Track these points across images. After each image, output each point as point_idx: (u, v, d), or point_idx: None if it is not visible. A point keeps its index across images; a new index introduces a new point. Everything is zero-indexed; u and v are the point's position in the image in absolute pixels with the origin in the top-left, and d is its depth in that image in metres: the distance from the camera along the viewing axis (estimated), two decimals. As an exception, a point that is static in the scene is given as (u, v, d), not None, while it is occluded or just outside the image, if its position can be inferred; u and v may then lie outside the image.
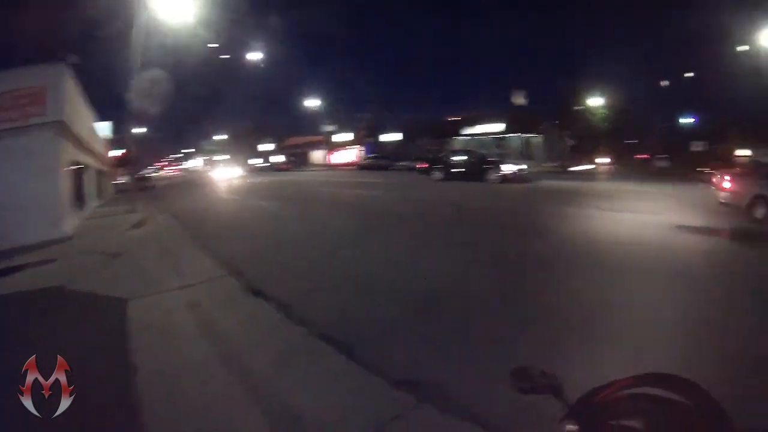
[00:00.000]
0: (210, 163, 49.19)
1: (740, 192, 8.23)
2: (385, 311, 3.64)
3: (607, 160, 33.75)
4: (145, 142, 37.56)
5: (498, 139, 31.60)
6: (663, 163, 32.59)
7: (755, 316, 3.56)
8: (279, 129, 53.34)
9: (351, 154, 42.72)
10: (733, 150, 31.06)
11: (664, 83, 35.05)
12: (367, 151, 40.05)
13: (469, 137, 33.64)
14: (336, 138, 46.48)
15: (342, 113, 47.04)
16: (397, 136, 41.08)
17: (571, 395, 0.89)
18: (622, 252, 5.48)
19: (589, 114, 36.24)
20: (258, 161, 47.75)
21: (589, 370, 1.54)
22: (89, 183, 14.77)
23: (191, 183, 26.17)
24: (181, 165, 73.82)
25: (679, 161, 32.37)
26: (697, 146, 34.34)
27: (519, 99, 34.40)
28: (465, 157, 17.29)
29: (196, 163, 65.00)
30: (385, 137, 42.01)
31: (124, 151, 24.20)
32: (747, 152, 29.87)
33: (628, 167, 30.33)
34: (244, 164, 32.76)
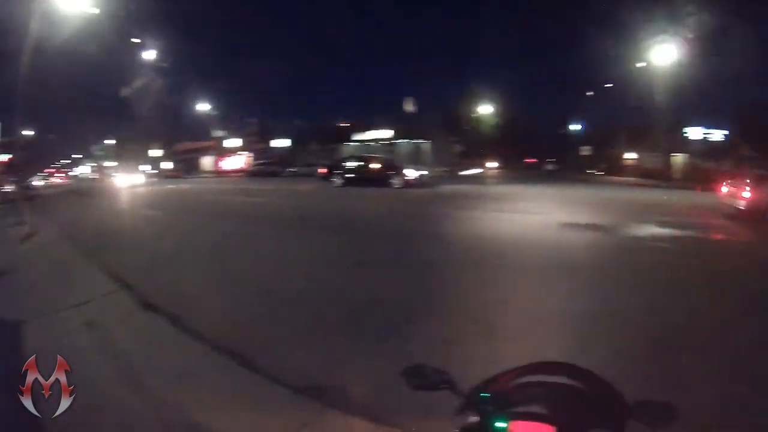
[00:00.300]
0: (99, 169, 43.05)
1: (760, 199, 8.72)
2: (279, 318, 3.59)
3: (496, 164, 37.11)
4: (35, 146, 33.66)
5: (388, 145, 32.56)
6: (551, 167, 37.13)
7: (639, 301, 3.89)
8: (170, 134, 48.48)
9: (240, 161, 40.60)
10: (621, 154, 36.92)
11: (589, 93, 37.23)
12: (257, 158, 38.69)
13: (359, 143, 34.22)
14: (226, 143, 43.63)
15: (232, 118, 44.48)
16: (287, 142, 40.26)
17: (466, 389, 0.90)
18: (515, 250, 5.97)
19: (478, 121, 39.37)
20: (147, 168, 42.68)
21: (484, 362, 1.69)
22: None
23: (81, 191, 22.57)
24: (70, 171, 61.77)
25: (566, 165, 37.19)
26: (584, 151, 39.75)
27: (409, 105, 35.66)
28: (367, 163, 17.21)
29: (84, 169, 55.89)
30: (275, 143, 40.91)
31: (10, 156, 21.20)
32: (633, 155, 35.65)
33: (518, 171, 33.91)
34: (134, 171, 28.96)
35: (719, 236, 7.93)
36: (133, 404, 2.31)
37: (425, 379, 0.93)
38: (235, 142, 43.18)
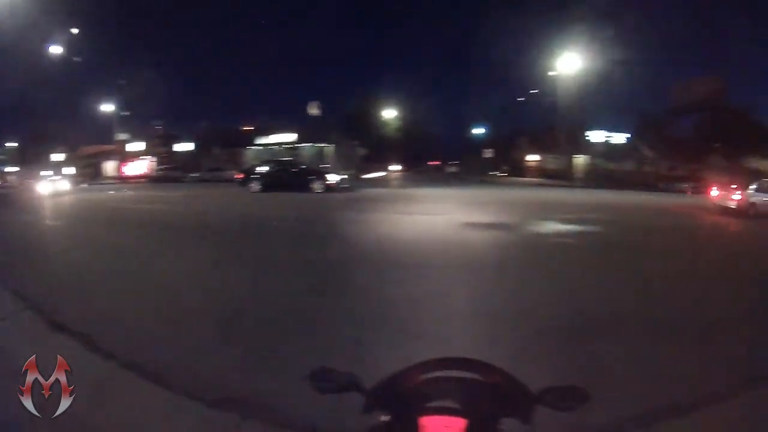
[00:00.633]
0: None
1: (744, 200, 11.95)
2: (186, 331, 3.44)
3: (399, 167, 38.22)
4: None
5: (291, 149, 32.13)
6: (454, 169, 38.99)
7: (535, 292, 4.22)
8: (73, 137, 42.88)
9: (143, 165, 37.55)
10: (523, 156, 39.65)
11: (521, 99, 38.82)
12: (161, 163, 36.51)
13: (262, 147, 33.56)
14: (129, 147, 39.77)
15: (136, 120, 40.71)
16: (191, 146, 38.27)
17: (372, 388, 0.90)
18: (422, 249, 6.30)
19: (381, 124, 40.32)
20: (49, 173, 37.19)
21: (393, 361, 1.40)
22: None
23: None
24: None
25: (469, 167, 39.38)
26: (487, 153, 42.18)
27: (314, 109, 35.36)
28: (287, 167, 16.80)
29: None
30: (178, 147, 38.54)
31: None
32: (536, 157, 38.35)
33: (421, 173, 35.27)
34: (36, 176, 25.21)
35: (615, 229, 8.83)
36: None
37: (332, 381, 0.91)
38: (139, 145, 39.74)
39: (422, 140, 43.30)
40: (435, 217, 9.65)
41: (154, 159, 37.42)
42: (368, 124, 39.08)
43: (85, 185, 30.36)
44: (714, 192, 13.73)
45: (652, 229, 9.20)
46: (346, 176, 17.29)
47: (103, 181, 35.12)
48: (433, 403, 0.82)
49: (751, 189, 12.00)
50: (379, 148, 37.87)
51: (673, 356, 2.95)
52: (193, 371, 2.73)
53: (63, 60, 29.31)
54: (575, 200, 15.58)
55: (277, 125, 33.73)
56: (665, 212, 13.13)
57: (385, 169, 31.61)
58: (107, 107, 39.31)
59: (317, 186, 15.47)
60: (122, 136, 39.96)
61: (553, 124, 33.07)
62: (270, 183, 16.00)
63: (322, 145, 32.65)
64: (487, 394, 0.86)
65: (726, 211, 12.08)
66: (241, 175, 17.55)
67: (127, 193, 19.27)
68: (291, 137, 32.94)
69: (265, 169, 16.84)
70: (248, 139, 34.27)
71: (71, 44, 28.67)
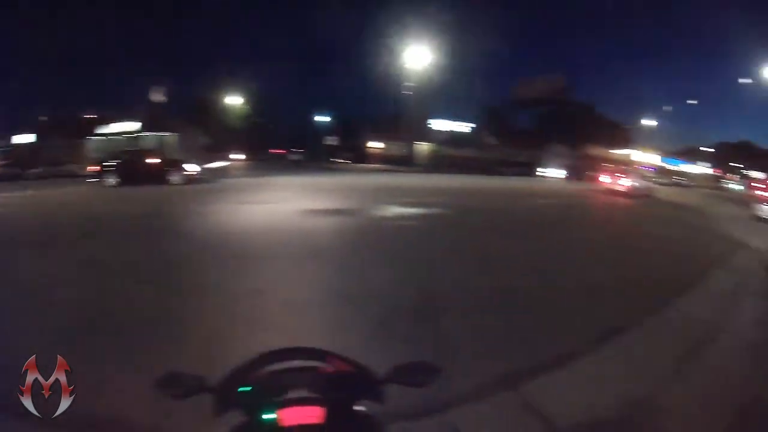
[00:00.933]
0: None
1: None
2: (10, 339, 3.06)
3: (242, 156, 36.61)
4: None
5: (134, 138, 30.67)
6: (297, 157, 39.23)
7: (381, 276, 4.32)
8: None
9: None
10: (366, 143, 40.89)
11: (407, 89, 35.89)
12: None
13: (104, 137, 31.35)
14: None
15: None
16: (32, 138, 33.26)
17: (220, 388, 0.88)
18: (265, 238, 6.30)
19: (224, 113, 39.52)
20: None
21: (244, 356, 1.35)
22: None
23: None
24: None
25: (313, 154, 39.61)
26: (329, 141, 42.82)
27: (158, 96, 33.45)
28: (143, 158, 16.44)
29: None
30: (18, 139, 33.08)
31: None
32: (380, 144, 39.97)
33: (264, 162, 33.48)
34: None
35: (452, 211, 9.37)
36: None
37: (181, 386, 0.90)
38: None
39: (266, 128, 43.05)
40: (276, 205, 9.67)
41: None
42: (211, 112, 38.24)
43: None
44: (604, 178, 19.10)
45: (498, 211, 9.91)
46: (208, 166, 17.69)
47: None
48: (289, 395, 0.82)
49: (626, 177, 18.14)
50: (222, 137, 37.24)
51: (516, 325, 3.19)
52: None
53: None
54: (416, 185, 16.36)
55: (121, 113, 31.39)
56: (520, 195, 15.12)
57: (227, 159, 30.96)
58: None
59: (176, 178, 15.54)
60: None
61: (397, 113, 35.15)
62: (126, 176, 15.36)
63: (166, 134, 31.32)
64: (335, 380, 0.87)
65: (616, 193, 17.28)
66: (97, 168, 16.26)
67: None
68: (134, 126, 31.01)
69: (119, 160, 16.13)
70: (90, 128, 31.11)
71: None
